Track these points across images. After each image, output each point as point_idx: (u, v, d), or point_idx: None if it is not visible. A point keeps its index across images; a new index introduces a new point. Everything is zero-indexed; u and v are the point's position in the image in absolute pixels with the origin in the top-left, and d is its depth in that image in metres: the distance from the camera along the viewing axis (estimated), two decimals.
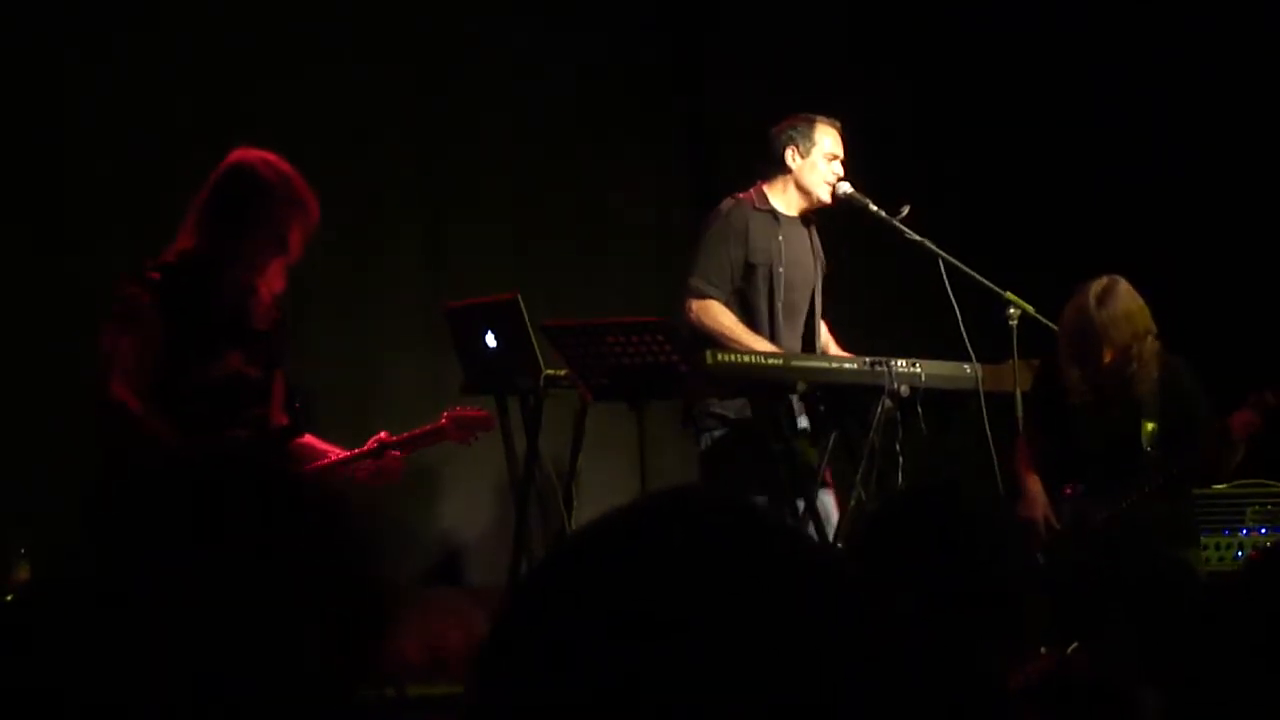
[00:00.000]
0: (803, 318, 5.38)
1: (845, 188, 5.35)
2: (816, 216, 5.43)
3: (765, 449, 5.05)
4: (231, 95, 5.65)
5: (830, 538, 5.06)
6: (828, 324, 5.49)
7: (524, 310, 4.85)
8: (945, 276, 5.16)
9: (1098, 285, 4.89)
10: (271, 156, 4.27)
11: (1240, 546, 5.56)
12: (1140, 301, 4.91)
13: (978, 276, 5.24)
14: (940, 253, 5.23)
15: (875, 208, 5.33)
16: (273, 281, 4.24)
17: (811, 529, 5.01)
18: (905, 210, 5.28)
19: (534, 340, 4.86)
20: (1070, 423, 4.98)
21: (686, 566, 1.07)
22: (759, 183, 5.38)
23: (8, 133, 5.49)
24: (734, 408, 5.17)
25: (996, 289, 5.26)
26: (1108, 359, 4.88)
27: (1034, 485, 5.01)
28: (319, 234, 4.28)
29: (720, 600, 1.06)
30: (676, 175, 6.62)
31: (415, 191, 6.09)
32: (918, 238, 5.27)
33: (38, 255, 5.53)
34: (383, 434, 4.44)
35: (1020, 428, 5.12)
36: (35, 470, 5.25)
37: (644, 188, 6.46)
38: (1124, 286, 4.88)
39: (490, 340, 4.95)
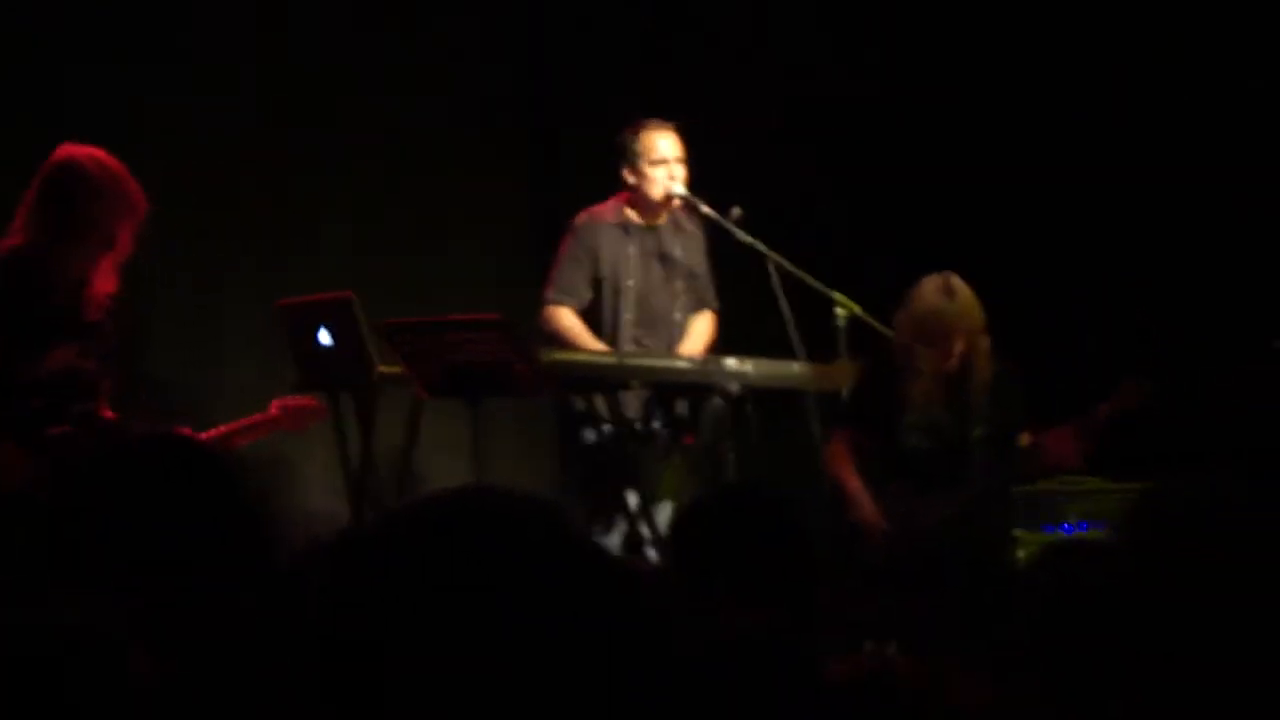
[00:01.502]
0: (667, 323, 5.47)
1: (677, 189, 5.41)
2: (693, 222, 5.49)
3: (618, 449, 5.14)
4: (78, 89, 5.57)
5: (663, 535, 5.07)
6: (714, 321, 5.55)
7: (358, 308, 4.83)
8: (774, 277, 5.22)
9: (939, 279, 4.92)
10: (99, 153, 4.27)
11: None
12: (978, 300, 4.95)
13: (806, 277, 5.30)
14: (770, 254, 5.29)
15: (706, 209, 5.41)
16: (104, 278, 4.23)
17: (645, 528, 5.07)
18: (737, 212, 5.35)
19: (368, 337, 4.85)
20: (897, 420, 5.00)
21: (480, 551, 1.15)
22: (616, 194, 5.49)
23: None
24: (602, 408, 5.25)
25: (825, 289, 5.32)
26: (957, 349, 4.89)
27: (858, 486, 5.02)
28: (157, 229, 4.26)
29: (506, 582, 1.13)
30: (520, 182, 6.63)
31: (262, 189, 6.04)
32: (749, 239, 5.33)
33: None
34: (221, 428, 4.47)
35: (837, 425, 5.14)
36: None
37: (488, 194, 6.47)
38: (962, 282, 4.93)
39: (324, 338, 4.92)
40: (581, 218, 5.50)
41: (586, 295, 5.40)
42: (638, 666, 1.15)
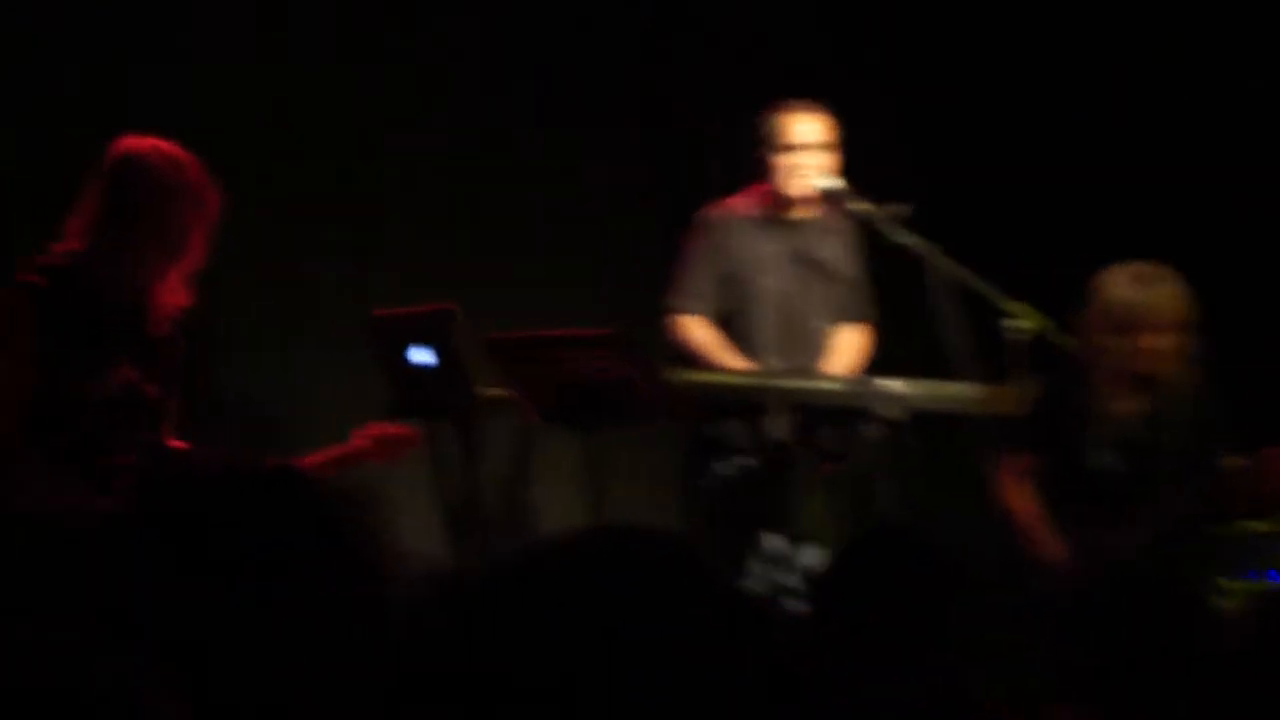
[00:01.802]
0: (809, 334, 5.17)
1: (821, 181, 5.06)
2: (843, 219, 5.20)
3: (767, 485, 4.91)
4: (142, 84, 5.41)
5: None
6: (869, 335, 5.25)
7: (461, 322, 4.59)
8: (938, 284, 4.84)
9: (1134, 266, 4.48)
10: (165, 144, 3.96)
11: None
12: (1187, 292, 4.46)
13: (978, 284, 4.91)
14: (934, 256, 4.90)
15: (856, 205, 5.05)
16: (174, 290, 3.96)
17: (786, 574, 4.82)
18: (897, 208, 4.97)
19: (470, 356, 4.62)
20: (1081, 438, 4.56)
21: (615, 597, 1.17)
22: (754, 184, 5.21)
23: None
24: (739, 435, 4.97)
25: (998, 298, 4.91)
26: (1154, 347, 4.43)
27: (1037, 516, 4.61)
28: (229, 236, 3.98)
29: (650, 641, 1.15)
30: (642, 175, 6.36)
31: (345, 190, 5.84)
32: (910, 239, 4.93)
33: None
34: (302, 460, 4.23)
35: (1008, 447, 4.74)
36: None
37: (606, 187, 6.22)
38: (1166, 269, 4.46)
39: (421, 356, 4.68)
40: (711, 212, 5.20)
41: (717, 301, 5.12)
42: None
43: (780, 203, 5.14)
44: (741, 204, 5.19)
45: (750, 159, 5.19)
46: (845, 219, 5.20)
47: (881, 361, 5.04)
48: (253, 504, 1.65)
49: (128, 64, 5.40)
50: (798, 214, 5.16)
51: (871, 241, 5.12)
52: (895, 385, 4.74)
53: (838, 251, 5.22)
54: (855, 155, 5.20)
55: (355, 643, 1.58)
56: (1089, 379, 4.53)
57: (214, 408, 4.94)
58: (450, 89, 5.97)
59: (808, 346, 5.16)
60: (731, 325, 5.13)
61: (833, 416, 4.83)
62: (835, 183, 5.06)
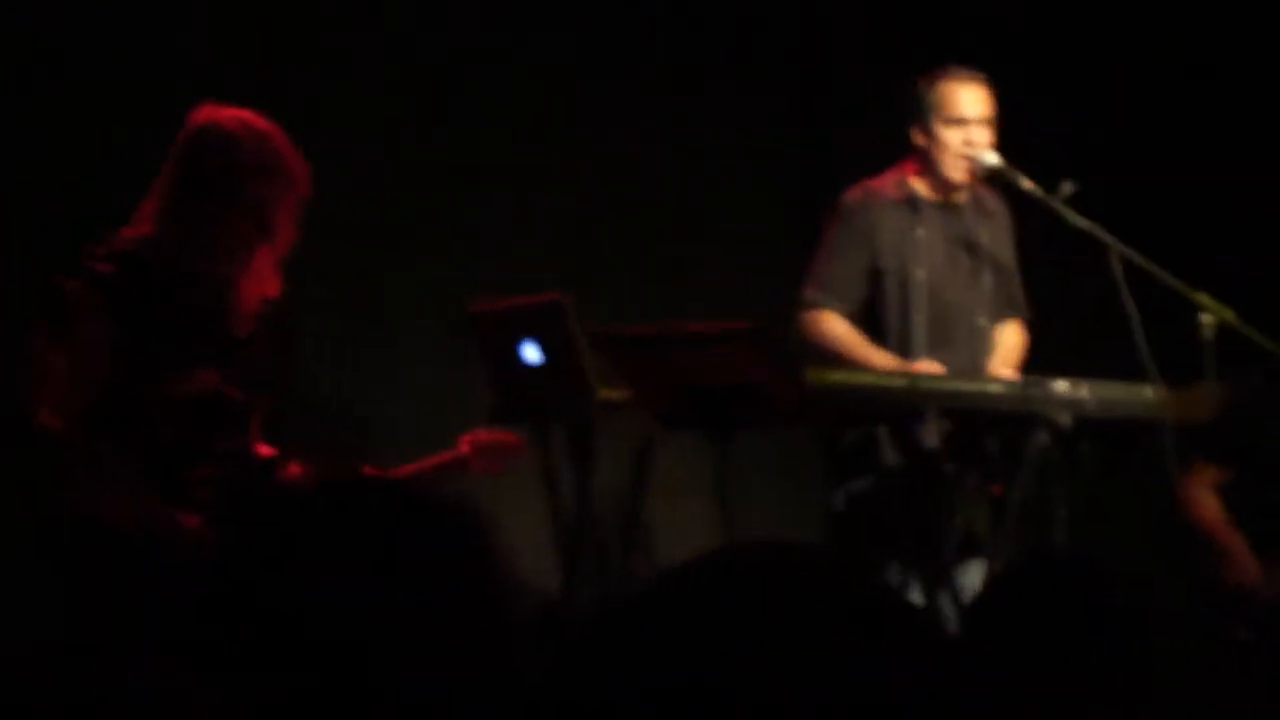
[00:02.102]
0: (969, 330, 4.91)
1: (987, 158, 4.76)
2: (997, 200, 4.96)
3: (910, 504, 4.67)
4: (230, 69, 5.24)
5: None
6: (1027, 332, 5.02)
7: (573, 315, 4.38)
8: (1120, 274, 4.58)
9: None
10: (248, 115, 3.75)
11: None
12: None
13: (1164, 274, 4.66)
14: (1115, 243, 4.63)
15: (1029, 184, 4.75)
16: (261, 279, 3.82)
17: (948, 606, 4.54)
18: (1069, 189, 4.68)
19: (586, 353, 4.40)
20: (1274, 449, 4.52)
21: (752, 636, 1.11)
22: (901, 163, 4.95)
23: None
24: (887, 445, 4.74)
25: (1187, 290, 4.69)
26: None
27: (1231, 535, 4.51)
28: (321, 221, 3.82)
29: (790, 673, 1.10)
30: (782, 148, 6.14)
31: (439, 168, 5.66)
32: (1085, 223, 4.65)
33: None
34: (403, 469, 4.18)
35: (1201, 458, 4.61)
36: None
37: (736, 164, 6.00)
38: None
39: (530, 354, 4.48)
40: (853, 195, 4.90)
41: (860, 295, 4.85)
42: None
43: (941, 183, 4.87)
44: (889, 185, 4.91)
45: (893, 134, 4.90)
46: (999, 202, 4.95)
47: (1053, 360, 4.75)
48: (352, 523, 1.59)
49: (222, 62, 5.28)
50: (953, 196, 4.90)
51: (1038, 226, 4.85)
52: (1069, 388, 4.43)
53: (999, 237, 4.96)
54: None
55: (473, 678, 1.53)
56: None
57: (300, 411, 4.82)
58: (544, 77, 5.82)
59: (968, 346, 4.91)
60: (878, 323, 4.89)
61: (998, 423, 4.55)
62: (998, 162, 4.80)
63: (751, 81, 6.04)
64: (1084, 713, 2.32)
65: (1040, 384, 4.43)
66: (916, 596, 4.55)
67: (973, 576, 4.65)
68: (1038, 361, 4.84)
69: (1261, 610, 4.44)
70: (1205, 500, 4.55)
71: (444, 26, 5.66)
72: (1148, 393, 4.49)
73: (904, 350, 4.80)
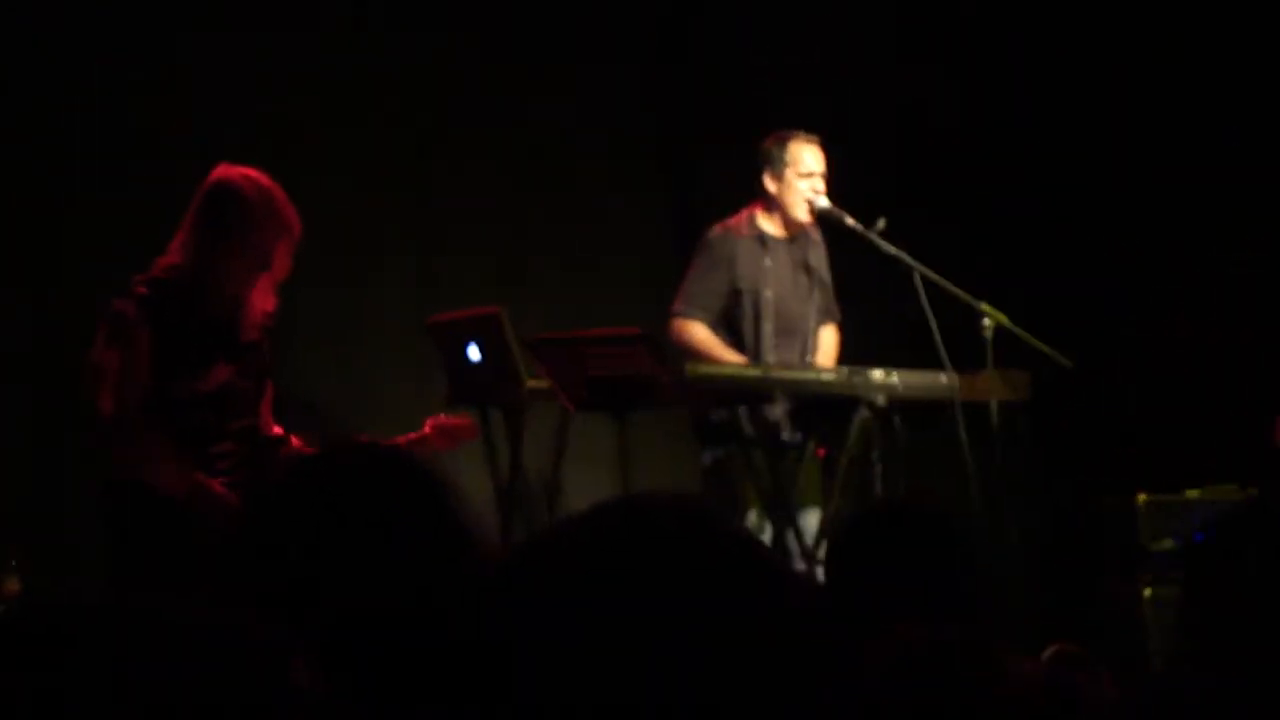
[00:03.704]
0: (802, 338, 5.39)
1: (822, 202, 5.33)
2: (818, 232, 5.43)
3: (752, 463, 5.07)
4: (227, 112, 5.61)
5: (810, 548, 5.06)
6: (839, 332, 5.47)
7: (506, 323, 4.84)
8: (920, 289, 5.13)
9: None
10: (253, 173, 4.21)
11: None
12: None
13: (952, 288, 5.22)
14: (916, 265, 5.20)
15: (852, 222, 5.31)
16: (262, 297, 4.21)
17: (793, 543, 4.99)
18: (881, 224, 5.26)
19: (516, 353, 4.84)
20: None
21: (640, 564, 1.12)
22: (750, 204, 5.39)
23: (8, 140, 5.48)
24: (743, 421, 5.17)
25: (971, 300, 5.24)
26: None
27: None
28: (309, 251, 4.24)
29: (670, 599, 1.11)
30: (659, 193, 6.58)
31: (406, 211, 6.05)
32: (894, 251, 5.24)
33: (36, 263, 5.47)
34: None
35: None
36: (20, 479, 5.24)
37: (627, 212, 6.42)
38: None
39: (474, 353, 4.93)
40: (715, 231, 5.41)
41: (717, 308, 5.31)
42: (822, 676, 1.13)
43: (784, 220, 5.34)
44: (743, 223, 5.35)
45: (744, 181, 5.33)
46: (818, 232, 5.40)
47: (871, 355, 5.20)
48: (386, 473, 1.69)
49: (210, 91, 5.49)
50: (792, 231, 5.38)
51: (862, 252, 5.30)
52: (883, 375, 4.97)
53: (821, 261, 5.45)
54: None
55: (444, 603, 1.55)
56: None
57: (294, 400, 4.94)
58: (500, 94, 6.07)
59: (801, 344, 5.36)
60: (735, 330, 5.29)
61: (828, 404, 5.05)
62: (830, 205, 5.31)
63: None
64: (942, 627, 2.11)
65: (861, 372, 4.97)
66: (767, 538, 4.96)
67: (810, 521, 5.12)
68: (860, 355, 5.25)
69: None
70: None
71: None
72: (943, 379, 5.05)
73: (756, 350, 5.26)
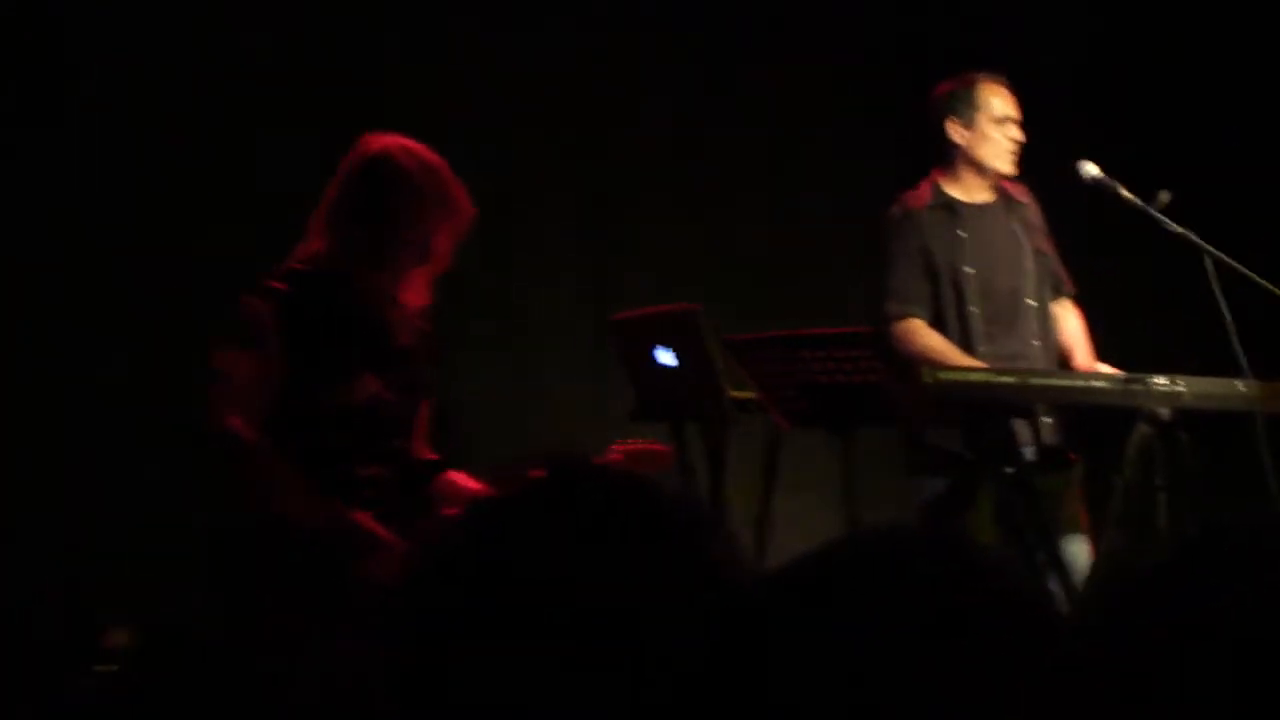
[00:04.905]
0: (1024, 320, 4.89)
1: (1091, 169, 4.75)
2: (1025, 190, 4.95)
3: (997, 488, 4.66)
4: (372, 83, 5.44)
5: (1076, 589, 4.58)
6: (1075, 306, 5.02)
7: (705, 322, 4.49)
8: (1214, 277, 4.57)
9: None
10: (413, 144, 3.81)
11: None
12: None
13: (1255, 276, 4.67)
14: (1207, 247, 4.62)
15: (1129, 195, 4.72)
16: (417, 294, 3.83)
17: (1054, 581, 4.56)
18: (1165, 197, 4.67)
19: (717, 357, 4.51)
20: None
21: (891, 619, 1.10)
22: (932, 172, 4.92)
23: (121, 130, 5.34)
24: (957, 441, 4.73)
25: (1277, 291, 4.68)
26: None
27: None
28: (468, 238, 3.85)
29: (922, 665, 1.09)
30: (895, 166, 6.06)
31: (579, 186, 5.80)
32: (1180, 230, 4.66)
33: (143, 260, 5.32)
34: None
35: None
36: (120, 510, 5.13)
37: (856, 179, 6.02)
38: None
39: (665, 358, 4.59)
40: (896, 210, 4.91)
41: (929, 298, 4.85)
42: None
43: (981, 182, 4.87)
44: (925, 194, 4.91)
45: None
46: (1027, 193, 4.94)
47: (1143, 357, 4.78)
48: (594, 501, 1.50)
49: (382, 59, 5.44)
50: (984, 194, 4.90)
51: (1130, 232, 4.86)
52: (1167, 383, 4.49)
53: (1035, 223, 4.96)
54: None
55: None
56: None
57: (452, 415, 4.82)
58: (679, 87, 5.94)
59: (1021, 327, 4.91)
60: (938, 319, 4.88)
61: (1100, 416, 4.62)
62: (1099, 173, 4.76)
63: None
64: None
65: (1141, 379, 4.46)
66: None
67: (1075, 554, 4.69)
68: (1133, 359, 4.81)
69: None
70: None
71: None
72: (1240, 387, 4.52)
73: (965, 340, 4.78)
